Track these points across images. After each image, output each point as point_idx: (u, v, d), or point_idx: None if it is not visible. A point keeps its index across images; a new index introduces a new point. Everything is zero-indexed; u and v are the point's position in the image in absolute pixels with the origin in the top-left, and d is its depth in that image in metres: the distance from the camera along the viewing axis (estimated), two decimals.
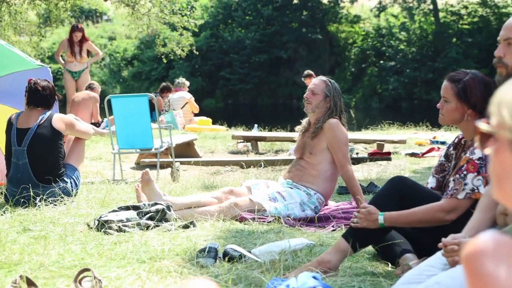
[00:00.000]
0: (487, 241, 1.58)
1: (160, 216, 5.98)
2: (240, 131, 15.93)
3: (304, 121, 7.01)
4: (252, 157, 12.22)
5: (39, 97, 7.25)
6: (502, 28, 3.71)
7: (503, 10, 36.18)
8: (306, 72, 17.90)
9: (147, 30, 19.99)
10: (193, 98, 16.86)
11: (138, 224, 5.82)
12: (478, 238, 1.59)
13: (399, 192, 4.67)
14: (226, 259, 4.84)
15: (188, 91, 17.26)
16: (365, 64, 39.33)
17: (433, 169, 5.02)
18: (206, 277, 4.30)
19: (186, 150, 11.95)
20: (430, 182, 4.92)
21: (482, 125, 1.72)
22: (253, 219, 6.24)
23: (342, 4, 40.92)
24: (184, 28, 20.43)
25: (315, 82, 6.78)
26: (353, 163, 9.99)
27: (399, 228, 4.72)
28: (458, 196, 4.34)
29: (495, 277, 1.54)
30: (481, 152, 4.17)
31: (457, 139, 4.78)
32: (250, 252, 5.00)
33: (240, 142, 13.75)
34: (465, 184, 4.32)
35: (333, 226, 6.23)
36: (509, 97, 1.64)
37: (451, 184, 4.45)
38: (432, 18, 38.29)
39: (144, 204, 6.13)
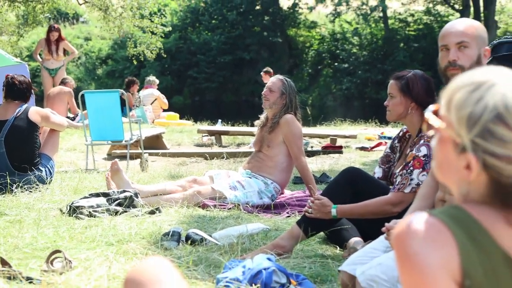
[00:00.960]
0: (415, 222, 1.57)
1: (128, 203, 5.95)
2: (205, 126, 15.91)
3: (262, 117, 7.02)
4: (215, 149, 12.22)
5: (16, 90, 7.18)
6: (449, 34, 3.73)
7: (445, 19, 36.50)
8: (265, 68, 17.88)
9: (119, 33, 19.98)
10: (162, 95, 16.82)
11: (108, 210, 5.78)
12: (407, 219, 1.58)
13: (351, 183, 4.71)
14: (189, 242, 4.85)
15: (158, 89, 17.22)
16: (321, 65, 39.47)
17: (379, 160, 5.05)
18: (169, 258, 4.28)
19: (154, 143, 11.90)
20: (377, 172, 4.95)
21: (430, 116, 1.69)
22: (215, 206, 6.25)
23: (300, 11, 41.01)
24: (153, 33, 20.44)
25: (272, 80, 6.78)
26: (308, 156, 10.06)
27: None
28: (404, 190, 4.37)
29: (422, 257, 1.53)
30: (426, 150, 4.22)
31: (401, 133, 4.83)
32: (210, 236, 5.01)
33: (205, 135, 13.72)
34: (411, 179, 4.36)
35: (287, 213, 6.25)
36: (460, 98, 1.60)
37: (398, 179, 4.47)
38: (382, 25, 38.54)
39: (114, 191, 6.10)
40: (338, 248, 4.80)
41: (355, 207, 4.49)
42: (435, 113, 1.69)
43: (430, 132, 1.70)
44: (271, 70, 17.24)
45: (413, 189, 4.30)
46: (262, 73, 17.71)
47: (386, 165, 4.90)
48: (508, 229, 1.59)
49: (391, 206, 4.34)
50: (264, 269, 3.84)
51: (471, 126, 1.55)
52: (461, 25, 3.71)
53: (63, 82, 14.58)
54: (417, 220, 1.57)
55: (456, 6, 36.97)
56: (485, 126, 1.54)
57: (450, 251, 1.53)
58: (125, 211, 5.83)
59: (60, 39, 15.58)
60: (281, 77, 6.83)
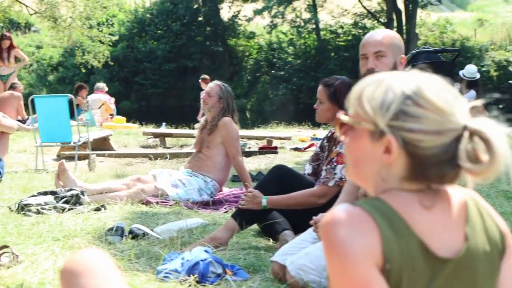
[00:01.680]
0: (341, 212, 1.58)
1: (75, 200, 5.88)
2: (150, 129, 15.86)
3: (202, 119, 7.05)
4: (159, 150, 12.16)
5: None
6: (367, 44, 3.80)
7: (372, 30, 36.91)
8: (203, 76, 17.91)
9: (68, 42, 19.82)
10: (110, 100, 16.71)
11: (55, 207, 5.70)
12: (333, 210, 1.60)
13: (280, 178, 4.76)
14: (131, 236, 4.81)
15: (106, 93, 17.10)
16: (259, 73, 39.55)
17: (310, 158, 5.12)
18: (113, 251, 4.25)
19: (102, 144, 11.78)
20: (307, 169, 5.02)
21: (343, 117, 1.74)
22: (157, 202, 6.23)
23: (240, 22, 41.04)
24: (102, 42, 20.32)
25: (210, 86, 6.79)
26: (246, 156, 10.11)
27: (280, 209, 4.79)
28: (328, 183, 4.44)
29: (347, 244, 1.54)
30: None
31: (330, 133, 4.90)
32: (152, 230, 4.97)
33: (150, 137, 13.68)
34: (335, 174, 4.44)
35: (225, 209, 6.28)
36: (369, 92, 1.67)
37: (323, 173, 4.56)
38: (315, 36, 38.78)
39: (61, 190, 6.02)
40: (271, 240, 4.83)
41: (283, 198, 4.54)
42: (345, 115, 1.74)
43: (343, 138, 1.74)
44: (208, 77, 17.28)
45: (337, 183, 4.39)
46: (200, 80, 17.74)
47: (315, 162, 4.97)
48: (423, 213, 1.63)
49: (316, 197, 4.42)
50: (202, 260, 3.85)
51: (385, 112, 1.62)
52: (378, 36, 3.80)
53: (12, 87, 14.43)
54: (342, 210, 1.59)
55: (381, 20, 37.43)
56: (398, 108, 1.61)
57: (373, 238, 1.55)
58: (72, 208, 5.76)
59: (11, 47, 15.37)
60: (218, 82, 6.85)
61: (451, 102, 1.63)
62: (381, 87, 1.66)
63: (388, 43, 3.73)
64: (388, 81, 1.66)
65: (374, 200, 1.64)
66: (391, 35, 3.82)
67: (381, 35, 3.81)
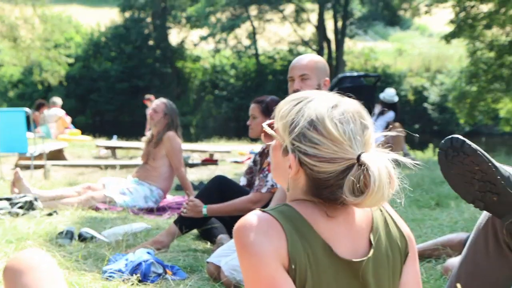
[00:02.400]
0: (251, 218, 1.59)
1: (28, 206, 5.75)
2: (103, 141, 15.69)
3: (149, 133, 7.01)
4: (110, 161, 12.00)
5: None
6: (294, 68, 3.87)
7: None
8: (146, 96, 17.76)
9: (27, 61, 19.55)
10: (64, 115, 16.50)
11: (9, 212, 5.58)
12: (245, 216, 1.60)
13: (219, 187, 4.76)
14: (80, 239, 4.73)
15: (62, 108, 16.84)
16: (203, 93, 39.55)
17: (244, 171, 5.13)
18: (62, 253, 4.17)
19: (57, 155, 11.59)
20: (242, 181, 5.03)
21: (265, 127, 1.75)
22: (106, 209, 6.16)
23: (187, 46, 41.01)
24: (59, 62, 20.10)
25: (157, 103, 6.76)
26: (189, 167, 10.08)
27: (221, 219, 4.80)
28: (261, 190, 4.46)
29: (256, 246, 1.55)
30: None
31: (261, 149, 4.90)
32: (100, 234, 4.90)
33: (102, 149, 13.55)
34: (267, 181, 4.46)
35: (168, 215, 6.24)
36: (285, 111, 1.68)
37: (257, 181, 4.58)
38: (254, 60, 39.00)
39: (16, 196, 5.89)
40: (209, 243, 4.81)
41: (222, 206, 4.53)
42: (271, 125, 1.74)
43: (269, 144, 1.75)
44: (152, 97, 17.13)
45: (269, 189, 4.41)
46: (144, 99, 17.62)
47: (249, 175, 4.99)
48: (327, 221, 1.64)
49: (251, 204, 4.41)
50: (144, 261, 3.82)
51: (291, 131, 1.63)
52: (304, 60, 3.86)
53: None
54: (253, 216, 1.60)
55: (313, 47, 37.84)
56: (301, 131, 1.61)
57: (280, 241, 1.56)
58: (25, 213, 5.64)
59: None
60: (164, 100, 6.83)
61: (351, 133, 1.60)
62: (296, 107, 1.66)
63: (312, 67, 3.80)
64: (304, 105, 1.66)
65: (283, 207, 1.65)
66: (316, 59, 3.88)
67: (307, 59, 3.87)
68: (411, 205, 6.16)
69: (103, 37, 39.81)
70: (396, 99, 11.40)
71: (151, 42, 40.35)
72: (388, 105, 11.16)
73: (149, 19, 40.60)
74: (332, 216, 1.64)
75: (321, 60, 3.91)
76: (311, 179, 1.62)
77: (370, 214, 1.71)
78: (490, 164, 2.14)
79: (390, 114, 11.17)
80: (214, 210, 4.54)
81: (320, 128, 1.59)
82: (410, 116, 31.91)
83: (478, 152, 2.16)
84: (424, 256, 4.15)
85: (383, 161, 1.58)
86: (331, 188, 1.60)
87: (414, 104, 34.20)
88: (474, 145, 2.17)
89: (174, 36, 41.15)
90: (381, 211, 1.75)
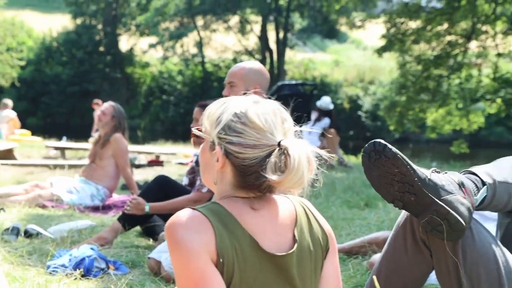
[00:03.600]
0: (182, 215, 1.60)
1: None
2: (53, 142, 15.43)
3: (96, 134, 6.92)
4: (59, 161, 11.79)
5: None
6: (227, 75, 3.88)
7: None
8: (95, 100, 17.48)
9: None
10: (16, 116, 16.15)
11: None
12: (176, 213, 1.61)
13: (161, 187, 4.72)
14: (26, 236, 4.64)
15: (13, 110, 16.47)
16: (152, 97, 39.16)
17: (187, 171, 5.11)
18: (8, 249, 4.08)
19: (7, 155, 11.32)
20: (184, 181, 5.02)
21: (194, 130, 1.77)
22: (52, 206, 6.04)
23: (136, 53, 40.63)
24: (11, 66, 19.65)
25: (105, 106, 6.70)
26: (136, 168, 9.98)
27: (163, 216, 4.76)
28: (202, 190, 4.44)
29: (186, 242, 1.56)
30: None
31: None
32: (46, 230, 4.81)
33: (52, 150, 13.31)
34: None
35: (113, 212, 6.16)
36: (211, 111, 1.72)
37: (198, 182, 4.55)
38: (200, 68, 38.90)
39: None
40: (151, 240, 4.77)
41: (164, 204, 4.50)
42: (199, 130, 1.77)
43: (197, 148, 1.77)
44: (99, 101, 16.88)
45: (209, 189, 4.38)
46: (92, 104, 17.37)
47: (191, 175, 4.96)
48: (253, 217, 1.65)
49: (192, 202, 4.37)
50: (87, 256, 3.77)
51: (217, 125, 1.67)
52: (235, 68, 3.87)
53: None
54: (183, 213, 1.62)
55: (257, 57, 37.94)
56: (226, 123, 1.65)
57: (209, 236, 1.58)
58: None
59: None
60: (113, 103, 6.77)
61: (272, 123, 1.65)
62: (221, 107, 1.70)
63: (240, 75, 3.78)
64: (228, 103, 1.70)
65: (212, 205, 1.66)
66: (248, 67, 3.84)
67: (237, 68, 3.86)
68: (342, 205, 6.23)
69: (55, 42, 39.11)
70: (331, 106, 11.51)
71: (101, 48, 39.80)
72: (324, 112, 11.27)
73: (100, 26, 40.07)
74: (257, 208, 1.66)
75: (252, 69, 3.84)
76: (237, 167, 1.64)
77: (294, 211, 1.74)
78: (408, 167, 2.18)
79: (326, 121, 11.28)
80: (156, 208, 4.51)
81: (244, 119, 1.64)
82: (345, 123, 32.26)
83: (398, 155, 2.19)
84: (352, 252, 4.21)
85: (302, 146, 1.63)
86: (255, 173, 1.62)
87: (349, 112, 34.59)
88: (394, 149, 2.21)
89: (124, 43, 40.74)
90: (304, 209, 1.77)
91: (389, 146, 2.21)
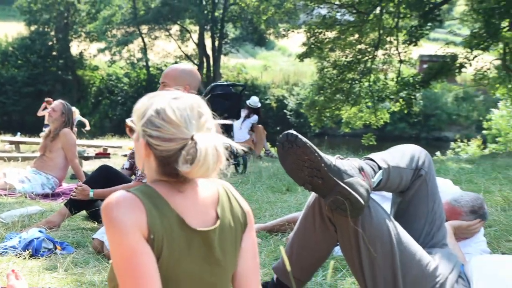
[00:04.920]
0: (116, 196, 1.58)
1: None
2: (8, 137, 14.97)
3: (47, 129, 6.73)
4: (14, 154, 11.42)
5: None
6: (161, 75, 3.85)
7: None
8: (46, 99, 17.01)
9: None
10: None
11: None
12: (111, 195, 1.59)
13: (104, 175, 4.64)
14: None
15: None
16: (101, 97, 38.51)
17: (128, 155, 5.04)
18: None
19: None
20: (125, 164, 4.94)
21: (128, 122, 1.74)
22: (5, 195, 5.84)
23: (86, 57, 39.78)
24: None
25: (56, 103, 6.51)
26: (85, 160, 9.77)
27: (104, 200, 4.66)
28: (143, 180, 4.35)
29: (119, 220, 1.54)
30: None
31: None
32: None
33: (7, 144, 12.90)
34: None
35: (62, 199, 5.99)
36: (138, 106, 1.69)
37: (139, 172, 4.47)
38: (145, 71, 38.42)
39: None
40: (96, 223, 4.67)
41: (106, 190, 4.42)
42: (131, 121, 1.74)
43: (130, 135, 1.74)
44: (50, 99, 16.42)
45: None
46: (44, 102, 16.90)
47: (132, 159, 4.89)
48: (180, 196, 1.65)
49: None
50: (36, 238, 3.68)
51: (141, 119, 1.64)
52: (168, 70, 3.86)
53: None
54: (118, 194, 1.59)
55: (195, 62, 37.73)
56: (149, 118, 1.62)
57: (141, 215, 1.56)
58: None
59: None
60: (62, 101, 6.58)
61: (187, 118, 1.63)
62: (147, 103, 1.67)
63: (171, 75, 3.76)
64: (155, 98, 1.68)
65: (144, 187, 1.65)
66: (180, 69, 3.82)
67: (170, 69, 3.84)
68: (267, 190, 6.26)
69: (11, 47, 37.88)
70: (259, 105, 11.53)
71: (54, 53, 38.84)
72: (253, 110, 11.29)
73: (52, 33, 39.06)
74: (182, 191, 1.65)
75: (186, 70, 3.82)
76: (158, 158, 1.63)
77: (216, 193, 1.74)
78: (316, 154, 2.21)
79: (255, 117, 11.29)
80: (99, 193, 4.43)
81: (162, 115, 1.62)
82: (273, 120, 32.51)
83: (308, 144, 2.22)
84: (273, 230, 4.24)
85: (212, 140, 1.61)
86: (173, 164, 1.61)
87: (276, 110, 34.89)
88: (304, 139, 2.23)
89: (75, 48, 39.84)
90: (225, 191, 1.77)
91: (300, 136, 2.23)
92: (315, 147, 2.23)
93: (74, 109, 16.92)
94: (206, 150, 1.58)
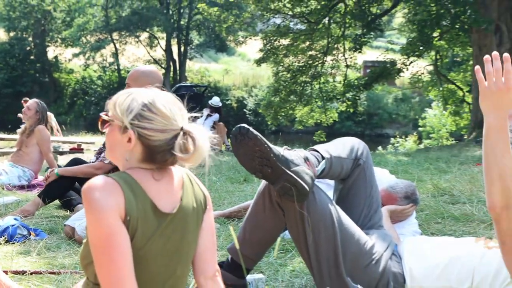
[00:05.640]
0: (97, 180, 1.58)
1: None
2: None
3: (23, 126, 6.56)
4: None
5: None
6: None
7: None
8: (24, 98, 16.63)
9: None
10: None
11: None
12: (92, 179, 1.59)
13: (73, 164, 4.54)
14: None
15: None
16: (76, 98, 37.77)
17: (95, 152, 4.95)
18: None
19: None
20: (93, 159, 4.80)
21: (103, 116, 1.72)
22: None
23: (62, 61, 38.97)
24: None
25: (31, 102, 6.36)
26: (60, 155, 9.56)
27: (76, 190, 4.58)
28: (105, 161, 4.25)
29: (99, 202, 1.53)
30: None
31: None
32: None
33: None
34: None
35: (37, 190, 5.84)
36: (120, 100, 1.68)
37: (103, 154, 4.37)
38: (117, 74, 37.87)
39: None
40: (68, 211, 4.58)
41: (70, 168, 4.38)
42: (106, 115, 1.73)
43: (105, 130, 1.72)
44: (28, 99, 16.05)
45: (110, 162, 4.21)
46: (22, 101, 16.49)
47: (98, 154, 4.77)
48: (153, 182, 1.66)
49: (94, 169, 4.19)
50: (11, 225, 3.59)
51: (129, 114, 1.63)
52: (131, 71, 3.83)
53: None
54: (98, 179, 1.58)
55: (163, 65, 37.36)
56: (137, 112, 1.63)
57: (119, 198, 1.56)
58: None
59: None
60: (37, 100, 6.43)
61: (174, 112, 1.65)
62: (129, 97, 1.67)
63: (133, 77, 3.74)
64: (134, 94, 1.68)
65: (122, 174, 1.64)
66: (141, 71, 3.81)
67: (133, 71, 3.83)
68: (226, 181, 6.25)
69: None
70: (220, 104, 11.51)
71: (32, 57, 37.90)
72: (214, 109, 11.26)
73: (30, 39, 38.12)
74: (156, 178, 1.66)
75: (146, 71, 3.81)
76: (147, 147, 1.63)
77: (181, 177, 1.75)
78: (266, 145, 2.21)
79: (216, 116, 11.27)
80: (63, 171, 4.39)
81: (153, 108, 1.63)
82: (234, 118, 32.41)
83: (258, 137, 2.21)
84: (231, 216, 4.23)
85: (201, 129, 1.68)
86: (163, 152, 1.63)
87: (236, 110, 34.84)
88: (255, 132, 2.23)
89: (52, 53, 38.98)
90: (189, 177, 1.79)
91: (251, 129, 2.22)
92: (265, 139, 2.22)
93: (49, 113, 16.71)
94: (202, 139, 1.64)
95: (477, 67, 1.88)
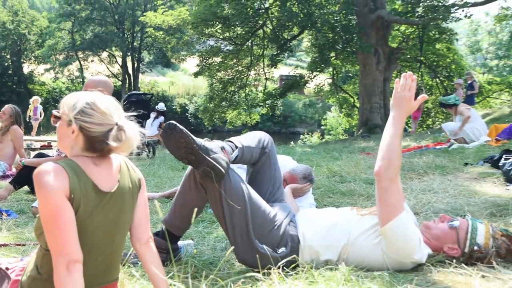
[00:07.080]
0: (46, 165, 1.53)
1: None
2: None
3: None
4: None
5: None
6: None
7: (116, 84, 35.57)
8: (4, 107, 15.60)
9: None
10: None
11: None
12: (41, 165, 1.54)
13: (38, 157, 4.31)
14: None
15: None
16: (47, 105, 35.24)
17: (56, 148, 4.71)
18: None
19: None
20: (54, 154, 4.62)
21: (55, 112, 1.67)
22: None
23: (35, 75, 36.78)
24: None
25: (6, 108, 6.01)
26: (32, 151, 9.02)
27: None
28: (61, 154, 4.03)
29: (48, 184, 1.49)
30: None
31: None
32: None
33: None
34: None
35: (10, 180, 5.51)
36: (68, 100, 1.64)
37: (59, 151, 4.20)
38: (81, 85, 36.17)
39: None
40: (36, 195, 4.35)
41: (34, 159, 4.22)
42: (57, 112, 1.68)
43: (56, 124, 1.66)
44: (7, 106, 15.09)
45: (66, 155, 4.04)
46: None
47: (59, 150, 4.57)
48: (94, 167, 1.63)
49: (54, 161, 4.00)
50: None
51: (74, 110, 1.60)
52: (88, 80, 3.63)
53: None
54: (47, 164, 1.54)
55: (120, 78, 36.15)
56: (81, 108, 1.60)
57: (64, 181, 1.52)
58: None
59: None
60: (12, 106, 6.08)
61: (111, 110, 1.63)
62: (75, 98, 1.63)
63: (90, 85, 3.53)
64: (79, 96, 1.64)
65: (67, 160, 1.60)
66: (96, 80, 3.61)
67: (89, 80, 3.59)
68: (168, 169, 6.15)
69: None
70: (165, 109, 11.27)
71: (10, 71, 35.60)
72: (160, 112, 11.02)
73: (8, 56, 35.80)
74: (98, 164, 1.63)
75: (102, 81, 3.59)
76: (88, 138, 1.60)
77: (119, 164, 1.72)
78: (190, 138, 2.19)
79: (161, 118, 11.02)
80: (28, 161, 4.19)
81: (93, 106, 1.61)
82: (177, 121, 31.39)
83: (184, 131, 2.19)
84: (170, 197, 4.16)
85: (132, 125, 1.65)
86: (100, 142, 1.59)
87: (180, 114, 34.29)
88: (181, 127, 2.20)
89: (27, 68, 36.75)
90: (126, 163, 1.76)
91: (178, 125, 2.20)
92: (189, 133, 2.21)
93: (36, 97, 15.73)
94: (132, 132, 1.62)
95: (397, 79, 2.19)
